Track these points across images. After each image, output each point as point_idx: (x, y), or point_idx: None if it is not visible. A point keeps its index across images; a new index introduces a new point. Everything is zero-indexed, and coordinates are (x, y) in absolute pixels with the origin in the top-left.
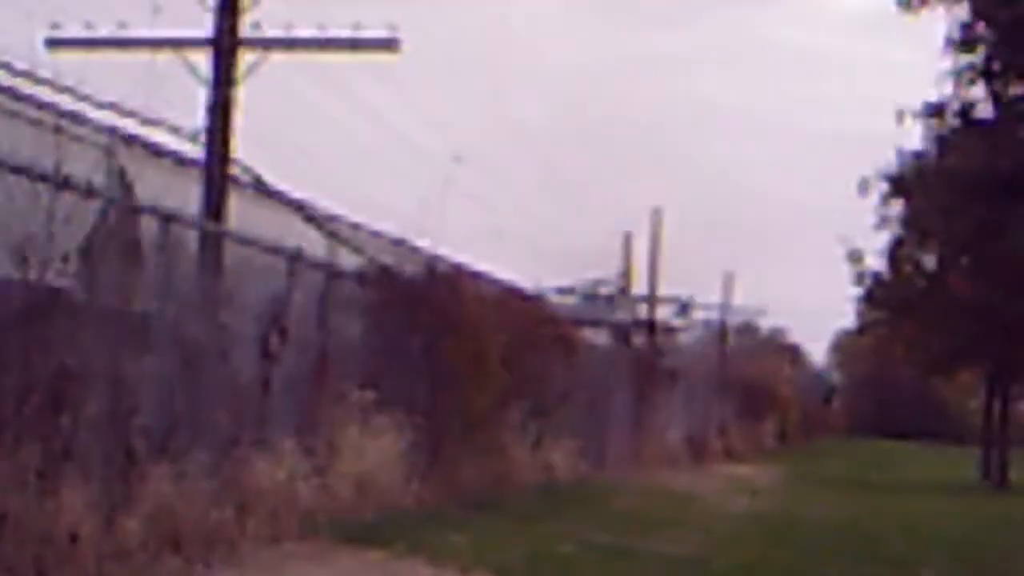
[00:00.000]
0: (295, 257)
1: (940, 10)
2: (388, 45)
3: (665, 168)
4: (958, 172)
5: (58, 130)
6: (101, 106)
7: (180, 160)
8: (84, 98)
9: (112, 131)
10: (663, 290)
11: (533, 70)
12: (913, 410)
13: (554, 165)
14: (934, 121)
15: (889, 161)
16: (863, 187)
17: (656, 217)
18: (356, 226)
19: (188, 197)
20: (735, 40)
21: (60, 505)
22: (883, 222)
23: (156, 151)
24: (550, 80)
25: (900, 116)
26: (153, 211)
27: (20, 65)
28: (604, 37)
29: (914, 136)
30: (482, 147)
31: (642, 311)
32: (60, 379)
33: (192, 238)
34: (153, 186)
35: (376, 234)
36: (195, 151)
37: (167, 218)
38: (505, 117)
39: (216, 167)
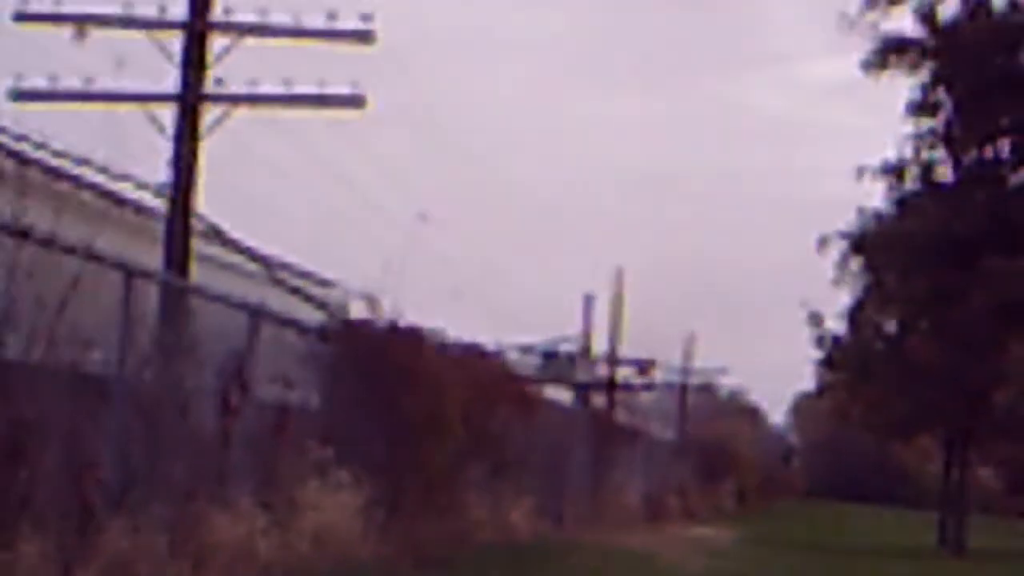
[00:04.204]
0: (256, 311)
1: (902, 77)
2: (353, 102)
3: (628, 230)
4: (917, 234)
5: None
6: (63, 157)
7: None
8: (45, 147)
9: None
10: (624, 350)
11: (500, 131)
12: (871, 473)
13: (519, 225)
14: (894, 182)
15: (849, 221)
16: (822, 244)
17: (618, 278)
18: (321, 281)
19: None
20: (702, 106)
21: (16, 557)
22: (841, 279)
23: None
24: (518, 141)
25: (860, 173)
26: (115, 264)
27: None
28: (572, 99)
29: (875, 199)
30: (446, 205)
31: (603, 371)
32: (18, 432)
33: (154, 291)
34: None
35: (338, 290)
36: (158, 204)
37: (129, 271)
38: (470, 177)
39: (179, 221)
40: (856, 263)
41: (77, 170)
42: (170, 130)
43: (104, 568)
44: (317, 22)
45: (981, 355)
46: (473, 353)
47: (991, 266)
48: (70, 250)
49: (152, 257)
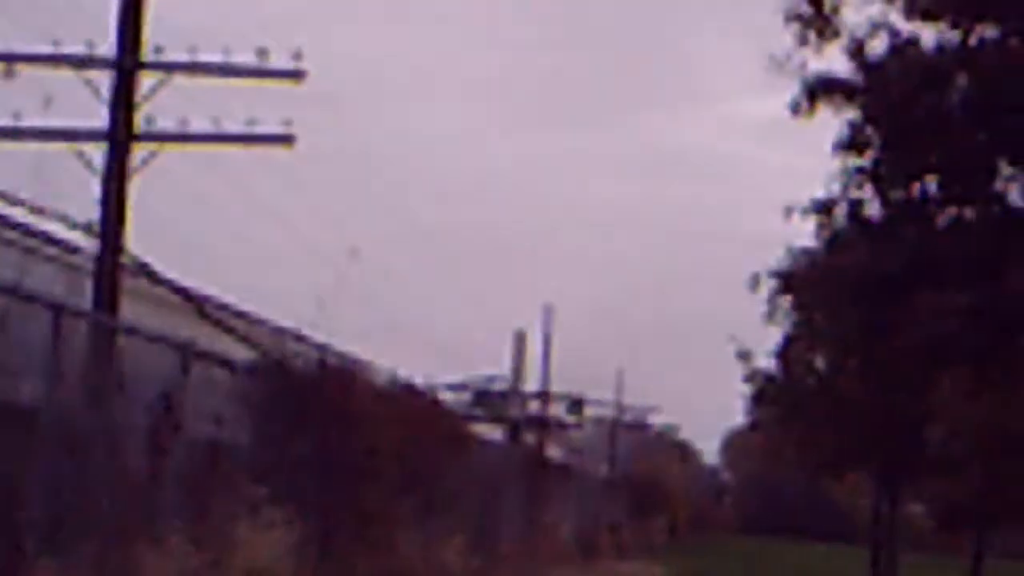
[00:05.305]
0: (187, 350)
1: (831, 116)
2: (283, 141)
3: (560, 267)
4: (845, 271)
5: None
6: None
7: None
8: None
9: None
10: (555, 387)
11: (431, 168)
12: (803, 509)
13: (450, 262)
14: (822, 219)
15: (779, 258)
16: (753, 283)
17: (548, 315)
18: (251, 320)
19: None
20: (634, 144)
21: None
22: (771, 316)
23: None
24: (449, 178)
25: (788, 212)
26: (45, 303)
27: None
28: (503, 137)
29: (805, 236)
30: (377, 243)
31: (534, 408)
32: None
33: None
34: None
35: (269, 327)
36: (88, 243)
37: (57, 309)
38: (401, 213)
39: (109, 259)
40: (785, 300)
41: (8, 210)
42: (100, 168)
43: None
44: (247, 60)
45: (911, 392)
46: (405, 390)
47: (920, 302)
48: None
49: (81, 295)
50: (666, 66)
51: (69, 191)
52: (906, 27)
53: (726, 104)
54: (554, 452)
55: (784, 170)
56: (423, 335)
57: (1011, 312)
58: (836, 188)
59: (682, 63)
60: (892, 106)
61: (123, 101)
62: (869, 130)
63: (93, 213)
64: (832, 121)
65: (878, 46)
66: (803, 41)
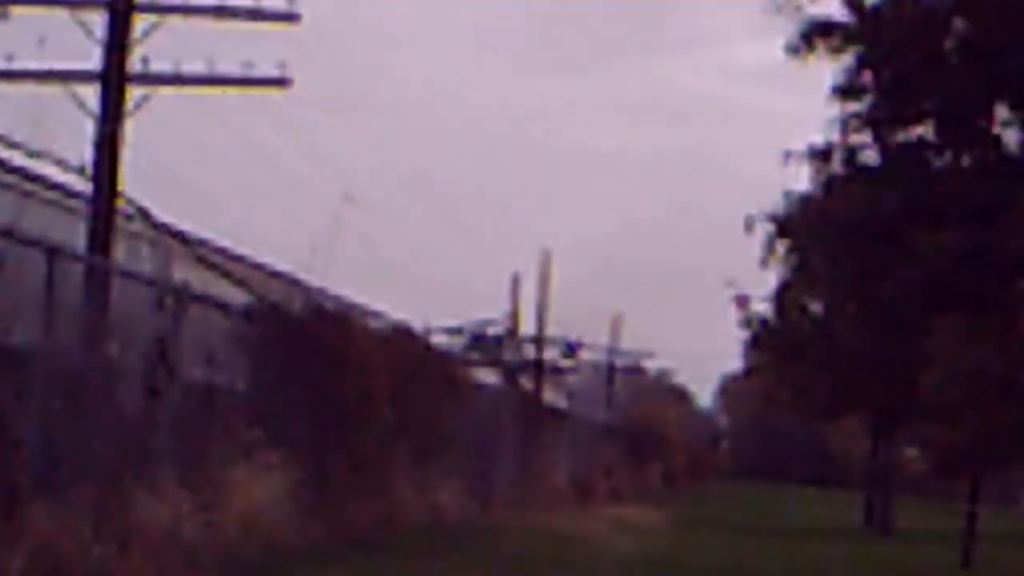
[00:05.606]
0: (182, 293)
1: (828, 60)
2: (278, 83)
3: (555, 211)
4: (843, 215)
5: None
6: None
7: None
8: None
9: None
10: (552, 332)
11: (428, 111)
12: (798, 454)
13: (446, 206)
14: (820, 164)
15: (776, 202)
16: (749, 224)
17: (545, 259)
18: (247, 263)
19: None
20: (631, 87)
21: None
22: (767, 260)
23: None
24: (445, 121)
25: (786, 156)
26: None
27: None
28: (500, 80)
29: (803, 181)
30: (373, 187)
31: (530, 352)
32: None
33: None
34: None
35: (265, 271)
36: (82, 185)
37: (52, 251)
38: (397, 157)
39: (103, 202)
40: (782, 245)
41: (3, 152)
42: (94, 110)
43: (30, 551)
44: (242, 2)
45: (907, 336)
46: (401, 334)
47: (916, 243)
48: None
49: (75, 237)
50: (665, 10)
51: (64, 133)
52: None
53: (726, 48)
54: (550, 396)
55: (780, 114)
56: (419, 279)
57: (1008, 258)
58: (833, 134)
59: (681, 6)
60: (889, 51)
61: (117, 42)
62: (866, 76)
63: (88, 155)
64: (828, 66)
65: None
66: None
